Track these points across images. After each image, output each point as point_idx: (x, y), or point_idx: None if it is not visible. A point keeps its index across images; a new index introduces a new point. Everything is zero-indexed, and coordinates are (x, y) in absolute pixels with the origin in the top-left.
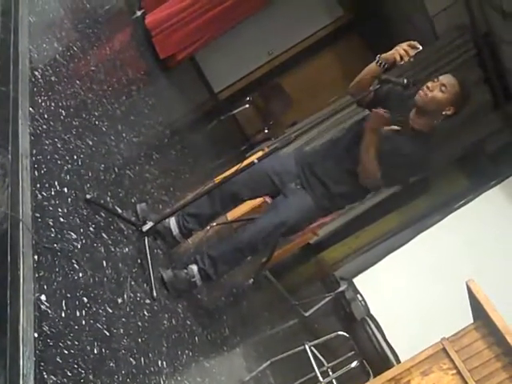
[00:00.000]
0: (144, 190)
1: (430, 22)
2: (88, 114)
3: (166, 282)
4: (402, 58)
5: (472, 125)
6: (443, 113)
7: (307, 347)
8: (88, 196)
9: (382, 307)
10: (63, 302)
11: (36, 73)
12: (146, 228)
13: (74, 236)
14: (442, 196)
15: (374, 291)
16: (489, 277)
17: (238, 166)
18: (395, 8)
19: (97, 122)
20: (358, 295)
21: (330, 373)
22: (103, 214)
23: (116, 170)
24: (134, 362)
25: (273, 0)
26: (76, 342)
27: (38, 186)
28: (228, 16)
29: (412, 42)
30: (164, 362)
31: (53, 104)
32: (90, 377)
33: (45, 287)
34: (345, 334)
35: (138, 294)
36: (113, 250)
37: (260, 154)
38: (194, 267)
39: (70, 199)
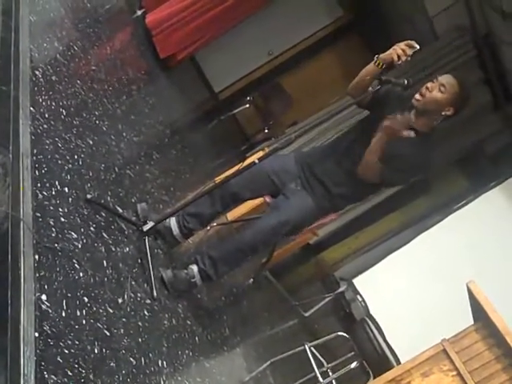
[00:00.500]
0: (144, 190)
1: (430, 22)
2: (88, 114)
3: (166, 281)
4: (399, 57)
5: (472, 126)
6: (443, 113)
7: (307, 348)
8: (89, 196)
9: (381, 308)
10: (64, 301)
11: (37, 72)
12: (146, 228)
13: (75, 236)
14: (442, 197)
15: (374, 292)
16: (489, 278)
17: (238, 166)
18: (395, 8)
19: (97, 122)
20: (358, 296)
21: (330, 373)
22: (104, 214)
23: (116, 169)
24: (134, 362)
25: (273, 0)
26: (76, 342)
27: (39, 185)
28: (228, 16)
29: (409, 42)
30: (164, 362)
31: (53, 103)
32: (91, 376)
33: (45, 287)
34: (345, 334)
35: (139, 294)
36: (113, 249)
37: (260, 153)
38: (195, 267)
39: (70, 199)
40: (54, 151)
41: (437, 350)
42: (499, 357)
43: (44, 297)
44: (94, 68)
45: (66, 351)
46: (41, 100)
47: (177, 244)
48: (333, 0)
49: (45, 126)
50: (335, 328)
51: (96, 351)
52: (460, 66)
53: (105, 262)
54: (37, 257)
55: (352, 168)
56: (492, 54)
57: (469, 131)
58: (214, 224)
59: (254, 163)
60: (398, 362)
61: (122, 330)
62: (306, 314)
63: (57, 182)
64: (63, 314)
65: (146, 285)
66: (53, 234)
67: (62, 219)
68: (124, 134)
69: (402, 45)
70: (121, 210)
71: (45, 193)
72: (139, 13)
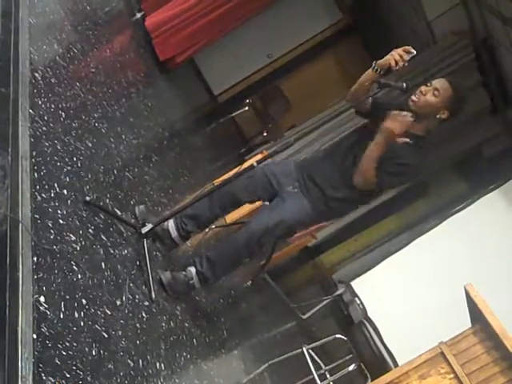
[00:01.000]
0: (143, 192)
1: (429, 25)
2: (88, 116)
3: (164, 283)
4: (396, 63)
5: (471, 129)
6: (437, 116)
7: (305, 350)
8: (87, 198)
9: (379, 310)
10: (62, 303)
11: (36, 74)
12: (145, 230)
13: (74, 238)
14: (440, 200)
15: (372, 294)
16: (487, 281)
17: (237, 168)
18: (394, 12)
19: (96, 124)
20: (356, 298)
21: (328, 376)
22: (102, 216)
23: (115, 171)
24: (132, 364)
25: (272, 3)
26: (74, 344)
27: (38, 187)
28: (228, 18)
29: (406, 47)
30: (162, 364)
31: (53, 106)
32: (89, 378)
33: (44, 289)
34: (343, 336)
35: (137, 296)
36: (112, 251)
37: (259, 156)
38: (193, 269)
39: (69, 201)
40: (53, 153)
41: (434, 352)
42: (496, 359)
43: (42, 298)
44: (93, 70)
45: (64, 353)
46: (40, 102)
47: (175, 246)
48: (332, 3)
49: (44, 128)
50: (333, 330)
51: (94, 353)
52: (459, 69)
53: (103, 264)
54: (35, 259)
55: (350, 173)
56: (491, 57)
57: (467, 134)
58: (213, 226)
59: (252, 166)
60: (396, 365)
61: (120, 332)
62: (304, 317)
63: (56, 184)
64: (61, 316)
65: (144, 287)
66: (51, 236)
67: (61, 221)
68: (123, 137)
69: (399, 50)
70: (119, 213)
71: (43, 195)
72: (139, 15)
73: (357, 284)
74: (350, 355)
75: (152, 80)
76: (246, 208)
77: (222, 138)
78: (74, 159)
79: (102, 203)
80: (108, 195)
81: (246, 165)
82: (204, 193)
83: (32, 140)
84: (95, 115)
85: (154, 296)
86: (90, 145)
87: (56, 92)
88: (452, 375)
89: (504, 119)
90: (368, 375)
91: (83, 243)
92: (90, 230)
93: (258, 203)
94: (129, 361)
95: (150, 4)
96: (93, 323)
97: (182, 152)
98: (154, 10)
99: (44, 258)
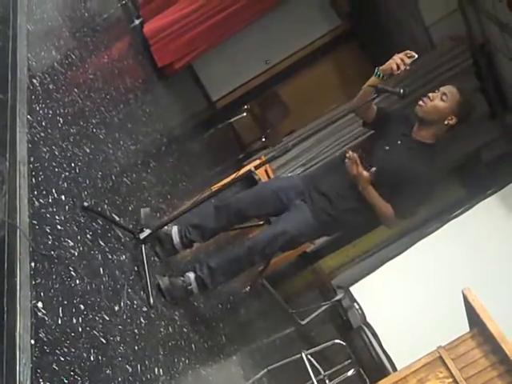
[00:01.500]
0: (141, 198)
1: (427, 31)
2: (86, 122)
3: (162, 289)
4: (398, 67)
5: (469, 134)
6: (445, 122)
7: (304, 355)
8: (85, 203)
9: (378, 315)
10: (60, 309)
11: (34, 80)
12: (143, 236)
13: (71, 243)
14: (439, 205)
15: (371, 299)
16: (485, 285)
17: (234, 174)
18: (392, 17)
19: (94, 130)
20: (355, 303)
21: (327, 381)
22: (100, 222)
23: (113, 177)
24: (130, 370)
25: (270, 9)
26: (72, 349)
27: (36, 193)
28: (225, 25)
29: (408, 52)
30: (160, 370)
31: (51, 112)
32: None
33: (42, 294)
34: (341, 342)
35: (135, 302)
36: (110, 257)
37: (257, 162)
38: (191, 275)
39: (67, 206)
40: (51, 159)
41: (433, 356)
42: (495, 364)
43: (40, 304)
44: (91, 77)
45: (62, 358)
46: (38, 108)
47: (174, 253)
48: (330, 9)
49: (42, 133)
50: (332, 336)
51: (92, 359)
52: (457, 74)
53: (101, 269)
54: (33, 264)
55: (355, 183)
56: (488, 63)
57: (466, 139)
58: None
59: (250, 171)
60: (395, 370)
61: (118, 338)
62: (303, 322)
63: (53, 190)
64: (59, 322)
65: (142, 292)
66: (49, 242)
67: (59, 227)
68: (121, 143)
69: (400, 55)
70: (117, 218)
71: (41, 200)
72: (137, 22)
73: (356, 289)
74: (349, 360)
75: (150, 86)
76: None
77: (220, 143)
78: (72, 165)
79: (100, 209)
80: (106, 201)
81: (243, 170)
82: (202, 199)
83: (30, 146)
84: (93, 121)
85: (152, 301)
86: (87, 151)
87: (54, 98)
88: (450, 379)
89: (502, 124)
90: (367, 380)
91: (81, 249)
92: (88, 236)
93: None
94: (127, 366)
95: (148, 11)
96: (91, 329)
97: (181, 158)
98: (152, 16)
99: (42, 264)
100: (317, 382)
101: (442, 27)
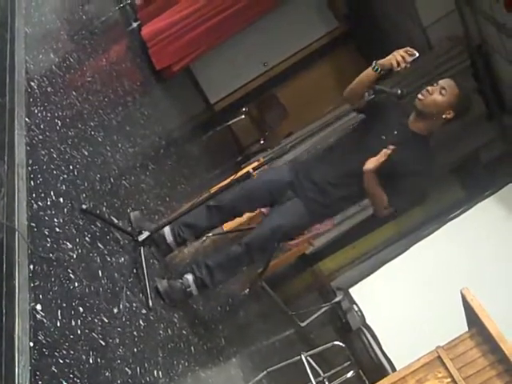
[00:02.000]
0: (140, 200)
1: (424, 32)
2: (84, 125)
3: (160, 292)
4: (398, 64)
5: (467, 135)
6: (443, 116)
7: (303, 357)
8: (84, 206)
9: (377, 317)
10: (59, 311)
11: (32, 83)
12: (141, 238)
13: (70, 246)
14: (437, 206)
15: (370, 301)
16: (484, 285)
17: (232, 176)
18: (389, 19)
19: (93, 133)
20: (354, 305)
21: (326, 383)
22: (99, 224)
23: (112, 180)
24: (129, 372)
25: (268, 11)
26: (71, 352)
27: (34, 195)
28: (223, 27)
29: (409, 49)
30: (160, 372)
31: (49, 114)
32: None
33: (40, 297)
34: (341, 343)
35: (134, 304)
36: (108, 259)
37: (255, 164)
38: (190, 277)
39: (65, 209)
40: (50, 162)
41: (431, 357)
42: (493, 363)
43: (39, 306)
44: (89, 79)
45: (61, 361)
46: (36, 111)
47: (170, 252)
48: (327, 11)
49: (40, 136)
50: (331, 337)
51: (91, 361)
52: (454, 75)
53: (100, 272)
54: (32, 267)
55: (351, 170)
56: (485, 63)
57: (464, 140)
58: (210, 234)
59: (248, 173)
60: (394, 371)
61: (117, 340)
62: (303, 324)
63: (52, 193)
64: (58, 324)
65: (141, 295)
66: (48, 244)
67: (57, 229)
68: (119, 145)
69: (401, 51)
70: (116, 221)
71: (40, 203)
72: (135, 25)
73: (355, 291)
74: (349, 362)
75: (148, 89)
76: (244, 216)
77: (218, 146)
78: (71, 167)
79: (98, 211)
80: (104, 203)
81: (241, 172)
82: (200, 201)
83: (28, 148)
84: (91, 124)
85: (151, 304)
86: (86, 153)
87: (52, 101)
88: (449, 379)
89: (500, 125)
90: (366, 382)
91: (80, 251)
92: (87, 238)
93: (257, 212)
94: (126, 369)
95: (146, 13)
96: (90, 331)
97: (179, 160)
98: (149, 19)
99: (40, 266)
100: (316, 383)
101: (440, 28)
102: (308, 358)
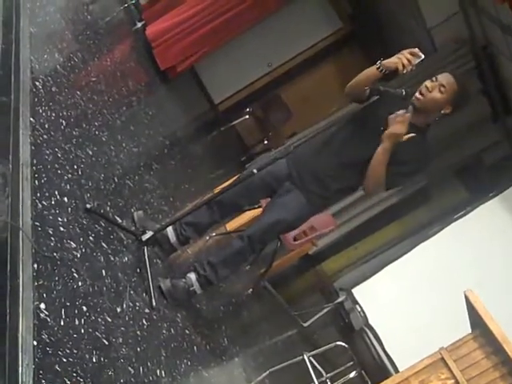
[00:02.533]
0: (144, 200)
1: (429, 33)
2: (88, 124)
3: (163, 291)
4: (404, 66)
5: (471, 136)
6: (442, 111)
7: (306, 357)
8: (88, 205)
9: (380, 317)
10: (62, 310)
11: (37, 83)
12: (145, 237)
13: (74, 245)
14: (440, 207)
15: (373, 302)
16: (487, 287)
17: (236, 177)
18: (394, 20)
19: (97, 132)
20: (357, 306)
21: (329, 383)
22: (103, 224)
23: (116, 179)
24: (132, 371)
25: (272, 12)
26: (75, 351)
27: (38, 195)
28: (228, 28)
29: (414, 50)
30: (163, 372)
31: (53, 114)
32: None
33: (44, 296)
34: (343, 344)
35: (137, 303)
36: (112, 259)
37: None
38: (193, 276)
39: (69, 209)
40: (54, 161)
41: (435, 358)
42: (497, 365)
43: (43, 305)
44: (94, 79)
45: (65, 360)
46: (41, 111)
47: (173, 251)
48: (332, 12)
49: (45, 136)
50: (334, 338)
51: (94, 360)
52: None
53: (104, 271)
54: (36, 266)
55: (349, 161)
56: (490, 65)
57: (468, 142)
58: (213, 234)
59: (252, 173)
60: (397, 372)
61: (120, 339)
62: (305, 324)
63: (56, 192)
64: (62, 323)
65: (144, 294)
66: (52, 244)
67: (61, 229)
68: (123, 145)
69: (407, 54)
70: (120, 220)
71: (44, 202)
72: (139, 25)
73: (358, 291)
74: (351, 362)
75: (153, 89)
76: (247, 216)
77: (222, 146)
78: (75, 167)
79: (102, 211)
80: (108, 203)
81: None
82: (204, 201)
83: (33, 148)
84: (96, 123)
85: (154, 303)
86: (90, 153)
87: (57, 100)
88: (452, 381)
89: (504, 126)
90: (369, 382)
91: (84, 250)
92: (91, 238)
93: (258, 210)
94: (129, 368)
95: (151, 13)
96: (93, 330)
97: (183, 160)
98: (154, 19)
99: (44, 265)
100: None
101: (444, 29)
102: (311, 358)
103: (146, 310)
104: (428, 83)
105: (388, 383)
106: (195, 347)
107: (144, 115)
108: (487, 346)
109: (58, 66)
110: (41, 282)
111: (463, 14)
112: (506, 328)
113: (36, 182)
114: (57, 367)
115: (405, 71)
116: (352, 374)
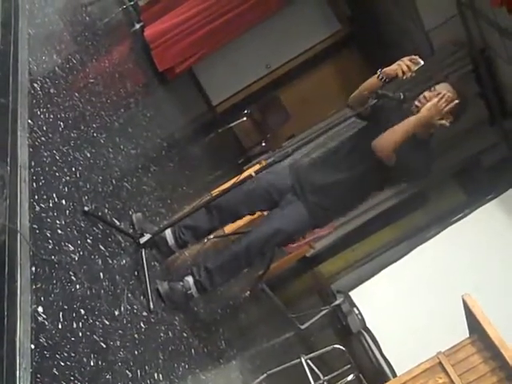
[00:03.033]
0: (141, 202)
1: (427, 36)
2: (86, 126)
3: (161, 294)
4: (404, 73)
5: (469, 139)
6: (443, 123)
7: (303, 360)
8: (86, 208)
9: (378, 320)
10: (60, 313)
11: (35, 85)
12: (143, 240)
13: (72, 248)
14: (438, 210)
15: (371, 304)
16: (485, 291)
17: (235, 179)
18: (392, 22)
19: (95, 134)
20: (355, 308)
21: None
22: (101, 226)
23: (114, 182)
24: (130, 375)
25: (271, 13)
26: (73, 354)
27: (36, 197)
28: (226, 29)
29: (413, 57)
30: (160, 375)
31: (51, 116)
32: None
33: (42, 299)
34: (341, 347)
35: (135, 306)
36: (110, 262)
37: (257, 167)
38: (190, 279)
39: (67, 211)
40: (52, 163)
41: (433, 362)
42: (494, 369)
43: (40, 309)
44: (92, 81)
45: (62, 363)
46: (39, 112)
47: (171, 254)
48: (330, 14)
49: (43, 138)
50: (332, 341)
51: (92, 363)
52: (456, 79)
53: (101, 274)
54: (33, 269)
55: (351, 176)
56: (488, 68)
57: (466, 144)
58: (211, 237)
59: (250, 176)
60: (395, 375)
61: (118, 343)
62: (303, 327)
63: (54, 194)
64: (59, 326)
65: (142, 297)
66: (50, 246)
67: (59, 231)
68: (121, 147)
69: (406, 61)
70: (118, 223)
71: (42, 205)
72: (138, 26)
73: (355, 294)
74: (349, 365)
75: (151, 90)
76: (245, 218)
77: (220, 148)
78: (73, 169)
79: (100, 213)
80: (106, 205)
81: (244, 175)
82: (202, 203)
83: (31, 150)
84: (94, 125)
85: (152, 306)
86: (88, 155)
87: (55, 102)
88: None
89: (502, 129)
90: None
91: (81, 253)
92: (89, 240)
93: (257, 213)
94: (127, 371)
95: (149, 15)
96: (91, 333)
97: (181, 162)
98: (152, 20)
99: (42, 268)
100: None
101: (442, 32)
102: (308, 360)
103: (144, 313)
104: (426, 93)
105: None
106: (193, 350)
107: (142, 117)
108: (485, 350)
109: (56, 68)
110: (39, 285)
111: (461, 17)
112: (504, 332)
113: (34, 184)
114: (54, 371)
115: (404, 77)
116: (349, 377)
